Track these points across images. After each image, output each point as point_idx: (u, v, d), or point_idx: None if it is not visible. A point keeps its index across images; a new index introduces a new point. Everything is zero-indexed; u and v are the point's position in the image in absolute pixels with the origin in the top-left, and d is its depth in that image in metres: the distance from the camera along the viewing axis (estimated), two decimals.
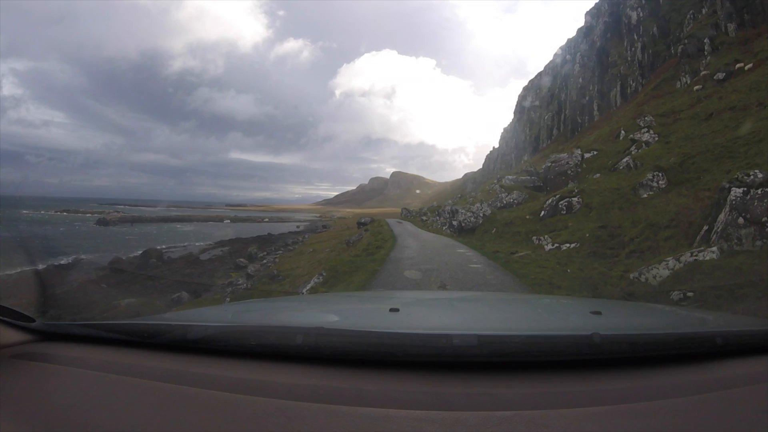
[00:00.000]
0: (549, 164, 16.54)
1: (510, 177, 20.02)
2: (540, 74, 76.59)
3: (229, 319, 1.51)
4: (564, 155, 16.59)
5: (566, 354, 0.93)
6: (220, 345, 1.04)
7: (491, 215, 16.14)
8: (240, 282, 16.48)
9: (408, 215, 45.02)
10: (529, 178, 18.20)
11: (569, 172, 15.24)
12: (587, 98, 53.76)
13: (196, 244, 38.37)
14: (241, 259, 26.93)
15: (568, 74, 60.96)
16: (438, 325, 1.44)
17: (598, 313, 1.35)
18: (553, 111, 62.15)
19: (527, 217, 14.23)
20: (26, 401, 0.88)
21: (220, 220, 77.55)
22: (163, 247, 34.89)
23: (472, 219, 16.75)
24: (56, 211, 76.50)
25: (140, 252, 28.48)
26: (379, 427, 0.74)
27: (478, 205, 18.07)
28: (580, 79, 56.35)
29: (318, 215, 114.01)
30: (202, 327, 1.10)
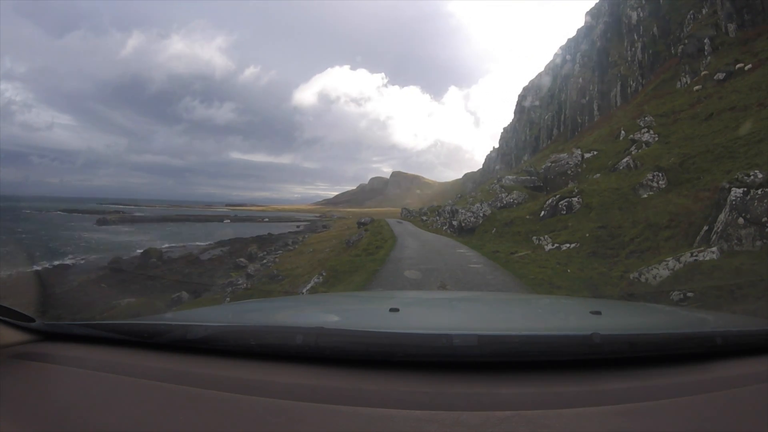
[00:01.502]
0: (549, 164, 16.52)
1: (510, 177, 19.90)
2: (540, 74, 76.32)
3: (229, 319, 1.50)
4: (564, 155, 16.54)
5: (566, 354, 0.93)
6: (220, 345, 1.03)
7: (491, 215, 16.09)
8: (240, 282, 16.40)
9: (408, 215, 44.64)
10: (529, 178, 18.09)
11: (569, 172, 15.19)
12: (587, 98, 53.56)
13: (197, 243, 38.10)
14: (241, 259, 26.85)
15: (568, 74, 60.79)
16: (438, 325, 1.43)
17: (598, 313, 1.35)
18: (553, 111, 61.96)
19: (527, 217, 14.18)
20: (26, 401, 0.88)
21: (221, 219, 77.39)
22: (164, 246, 34.81)
23: (472, 219, 16.74)
24: (57, 211, 76.55)
25: (140, 252, 28.37)
26: (380, 427, 0.73)
27: (478, 205, 17.87)
28: (580, 79, 56.09)
29: (318, 215, 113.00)
30: (202, 327, 1.09)
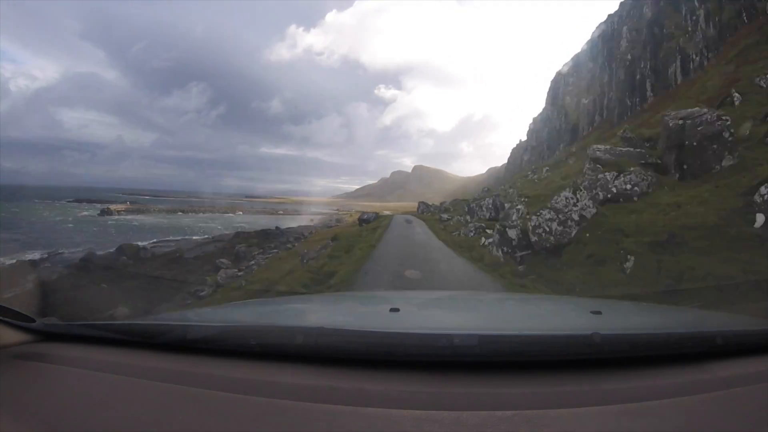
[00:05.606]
0: (678, 122, 9.18)
1: (601, 147, 11.92)
2: (576, 56, 69.50)
3: (229, 319, 1.50)
4: (701, 110, 9.68)
5: (566, 354, 0.93)
6: (221, 345, 1.04)
7: (597, 216, 8.47)
8: (203, 292, 13.23)
9: (425, 211, 35.76)
10: (633, 150, 10.73)
11: (725, 136, 8.77)
12: (638, 77, 47.60)
13: (193, 238, 35.49)
14: (223, 260, 22.82)
15: (611, 53, 54.80)
16: (438, 325, 1.45)
17: (598, 312, 1.32)
18: (594, 95, 56.04)
19: (711, 223, 6.73)
20: (26, 401, 0.88)
21: (234, 211, 75.33)
22: (152, 241, 31.71)
23: (555, 227, 8.52)
24: (68, 201, 74.20)
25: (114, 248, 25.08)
26: (380, 427, 0.74)
27: (567, 195, 8.79)
28: (629, 56, 50.31)
29: (336, 208, 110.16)
30: (203, 327, 1.12)
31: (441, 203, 40.14)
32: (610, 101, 51.62)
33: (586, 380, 0.86)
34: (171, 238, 35.01)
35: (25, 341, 1.09)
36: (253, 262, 22.01)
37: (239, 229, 36.96)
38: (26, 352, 1.06)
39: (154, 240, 33.05)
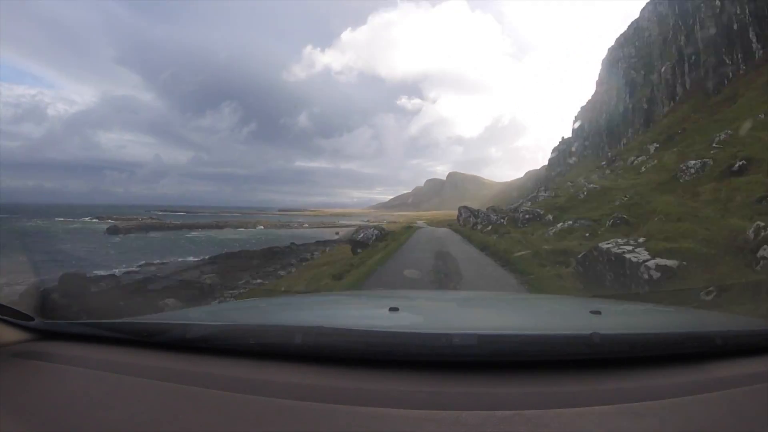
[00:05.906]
0: None
1: None
2: (636, 22, 59.12)
3: (228, 318, 1.52)
4: None
5: (566, 354, 0.93)
6: (220, 344, 1.03)
7: None
8: None
9: (471, 219, 24.17)
10: None
11: None
12: (736, 27, 37.37)
13: (187, 259, 29.67)
14: (169, 300, 14.14)
15: (685, 6, 44.60)
16: (438, 324, 1.42)
17: (598, 312, 1.30)
18: (671, 60, 45.69)
19: None
20: (25, 400, 0.87)
21: (254, 226, 72.46)
22: (141, 263, 26.60)
23: None
24: (88, 219, 71.97)
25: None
26: (379, 426, 0.73)
27: None
28: (717, 3, 39.91)
29: (367, 219, 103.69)
30: (202, 326, 1.11)
31: (488, 208, 27.75)
32: (695, 65, 41.00)
33: (585, 380, 0.86)
34: (158, 260, 28.88)
35: (24, 340, 1.08)
36: (220, 299, 14.30)
37: (245, 248, 30.83)
38: (25, 351, 1.04)
39: (142, 262, 27.39)
